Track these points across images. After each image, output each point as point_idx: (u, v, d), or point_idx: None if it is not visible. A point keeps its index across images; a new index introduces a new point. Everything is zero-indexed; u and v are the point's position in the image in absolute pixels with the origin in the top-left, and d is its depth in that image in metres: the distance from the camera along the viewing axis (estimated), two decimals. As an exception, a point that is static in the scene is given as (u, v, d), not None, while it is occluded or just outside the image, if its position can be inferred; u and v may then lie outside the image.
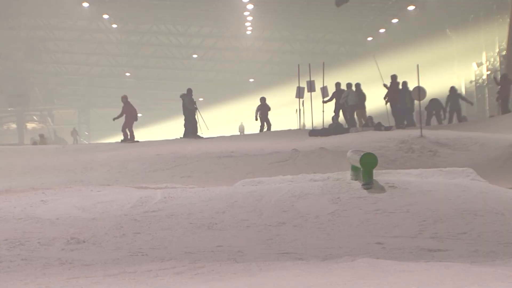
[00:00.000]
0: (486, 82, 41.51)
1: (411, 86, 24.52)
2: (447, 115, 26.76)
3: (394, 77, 26.17)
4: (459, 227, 8.40)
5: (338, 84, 27.13)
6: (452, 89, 27.26)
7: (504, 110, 26.02)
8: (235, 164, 17.57)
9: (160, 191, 11.22)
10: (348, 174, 10.92)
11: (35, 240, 8.16)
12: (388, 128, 24.12)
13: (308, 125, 27.68)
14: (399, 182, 10.22)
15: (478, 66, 42.81)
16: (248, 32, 52.95)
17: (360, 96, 26.27)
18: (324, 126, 25.61)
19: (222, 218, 9.25)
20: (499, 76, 28.94)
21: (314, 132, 23.96)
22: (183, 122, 26.23)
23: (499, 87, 26.74)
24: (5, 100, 51.79)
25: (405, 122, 25.91)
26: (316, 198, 9.79)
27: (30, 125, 56.13)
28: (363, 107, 26.30)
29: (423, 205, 9.23)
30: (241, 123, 50.33)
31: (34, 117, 57.40)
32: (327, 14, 45.81)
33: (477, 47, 42.18)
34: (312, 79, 26.97)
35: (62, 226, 9.02)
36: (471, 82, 44.26)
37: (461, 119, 27.09)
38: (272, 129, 28.69)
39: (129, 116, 25.90)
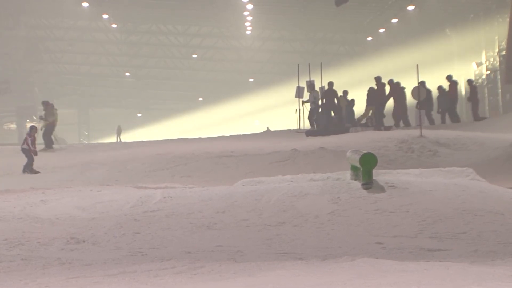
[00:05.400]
0: (486, 82, 41.44)
1: (411, 86, 24.39)
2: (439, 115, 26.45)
3: (378, 79, 25.83)
4: (458, 227, 8.40)
5: (330, 84, 26.55)
6: (440, 89, 26.55)
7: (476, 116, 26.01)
8: (235, 164, 17.56)
9: (160, 191, 11.22)
10: (348, 174, 10.93)
11: (34, 240, 8.16)
12: (388, 128, 24.08)
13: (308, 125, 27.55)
14: (399, 182, 10.22)
15: (477, 66, 42.70)
16: (248, 32, 52.86)
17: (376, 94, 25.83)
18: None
19: (222, 218, 9.25)
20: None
21: (311, 132, 23.88)
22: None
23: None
24: None
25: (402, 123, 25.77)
26: (316, 198, 9.80)
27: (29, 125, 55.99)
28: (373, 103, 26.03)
29: (422, 205, 9.23)
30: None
31: (34, 117, 57.29)
32: (327, 14, 45.73)
33: (476, 47, 42.07)
34: (312, 79, 26.88)
35: (62, 226, 9.02)
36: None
37: (454, 119, 26.46)
38: (272, 129, 28.47)
39: None
